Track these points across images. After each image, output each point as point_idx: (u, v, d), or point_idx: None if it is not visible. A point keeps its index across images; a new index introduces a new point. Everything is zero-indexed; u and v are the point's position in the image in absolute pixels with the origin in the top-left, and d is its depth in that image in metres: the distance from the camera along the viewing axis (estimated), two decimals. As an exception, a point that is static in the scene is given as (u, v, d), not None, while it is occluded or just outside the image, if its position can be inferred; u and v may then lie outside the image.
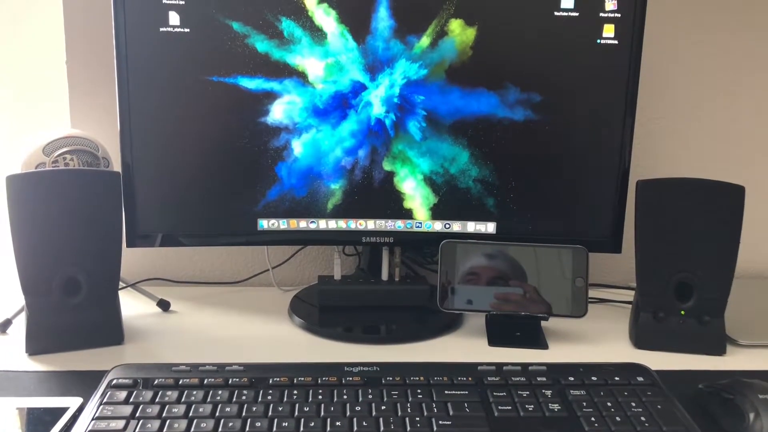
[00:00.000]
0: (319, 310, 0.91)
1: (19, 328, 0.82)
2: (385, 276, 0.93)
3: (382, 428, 0.59)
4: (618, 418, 0.61)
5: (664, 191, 0.82)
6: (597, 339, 0.87)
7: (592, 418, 0.61)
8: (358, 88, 0.85)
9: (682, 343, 0.83)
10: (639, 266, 0.84)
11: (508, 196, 0.89)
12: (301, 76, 0.84)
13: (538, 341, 0.85)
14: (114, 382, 0.65)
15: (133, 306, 0.94)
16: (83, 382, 0.70)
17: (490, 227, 0.90)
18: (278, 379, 0.65)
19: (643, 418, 0.61)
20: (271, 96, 0.85)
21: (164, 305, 0.94)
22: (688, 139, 1.09)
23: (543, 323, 0.87)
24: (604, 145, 0.88)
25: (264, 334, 0.87)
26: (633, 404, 0.63)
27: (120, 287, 0.83)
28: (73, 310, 0.79)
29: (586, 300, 0.84)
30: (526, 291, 0.84)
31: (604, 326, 0.90)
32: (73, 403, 0.65)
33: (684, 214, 0.82)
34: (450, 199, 0.89)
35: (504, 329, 0.86)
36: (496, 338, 0.86)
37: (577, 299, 0.84)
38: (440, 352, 0.82)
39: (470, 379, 0.66)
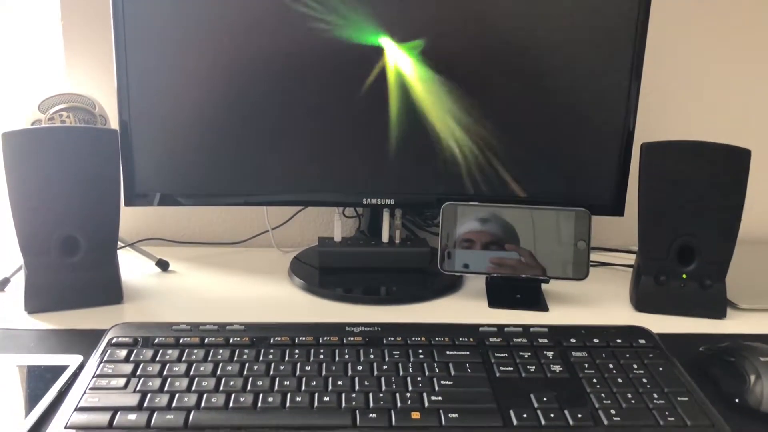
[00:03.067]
0: (319, 271, 0.91)
1: (17, 287, 0.82)
2: (385, 238, 0.93)
3: (383, 387, 0.59)
4: (620, 380, 0.61)
5: (668, 154, 0.82)
6: (598, 302, 0.87)
7: (594, 380, 0.61)
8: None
9: (683, 307, 0.83)
10: (641, 229, 0.84)
11: (509, 157, 0.88)
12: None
13: (539, 303, 0.85)
14: (114, 340, 0.64)
15: (132, 266, 0.93)
16: (83, 341, 0.70)
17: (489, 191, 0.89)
18: (279, 338, 0.65)
19: (644, 380, 0.61)
20: (271, 53, 0.83)
21: (163, 265, 0.94)
22: (695, 102, 1.08)
23: (543, 286, 0.87)
24: (608, 107, 0.87)
25: (264, 294, 0.86)
26: (635, 366, 0.63)
27: (119, 247, 0.82)
28: (72, 269, 0.79)
29: (588, 263, 0.84)
30: (526, 253, 0.84)
31: (605, 289, 0.90)
32: (73, 361, 0.65)
33: (688, 178, 0.81)
34: (452, 161, 0.88)
35: (504, 291, 0.86)
36: (496, 300, 0.85)
37: (578, 262, 0.84)
38: (441, 313, 0.82)
39: (471, 340, 0.66)
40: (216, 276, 0.92)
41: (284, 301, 0.84)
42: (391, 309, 0.83)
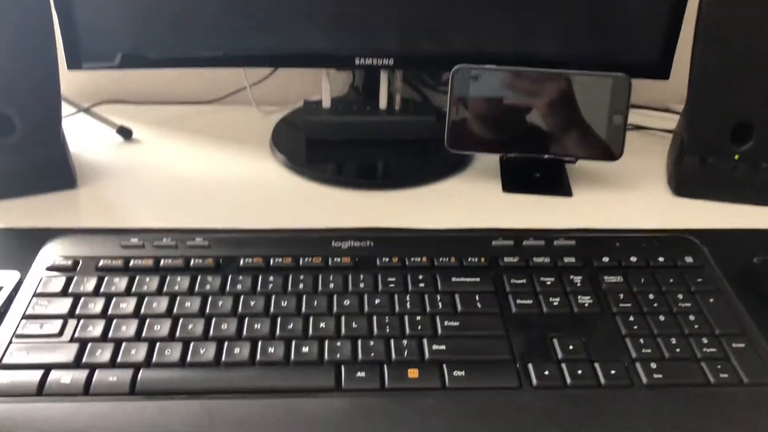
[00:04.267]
0: (305, 144, 0.77)
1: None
2: (383, 104, 0.78)
3: (375, 332, 0.48)
4: (662, 318, 0.50)
5: (735, 7, 0.65)
6: (629, 181, 0.74)
7: (631, 318, 0.50)
8: None
9: (730, 192, 0.71)
10: (692, 100, 0.69)
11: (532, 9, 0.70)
12: None
13: (561, 186, 0.72)
14: (51, 263, 0.53)
15: (88, 136, 0.79)
16: (22, 247, 0.59)
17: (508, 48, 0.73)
18: (250, 260, 0.54)
19: (691, 317, 0.50)
20: None
21: (125, 133, 0.80)
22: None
23: (568, 165, 0.74)
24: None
25: (241, 173, 0.74)
26: (680, 296, 0.52)
27: (71, 113, 0.68)
28: (9, 152, 0.66)
29: (623, 141, 0.70)
30: (551, 127, 0.70)
31: (638, 163, 0.76)
32: (8, 279, 0.54)
33: (757, 39, 0.64)
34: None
35: (521, 172, 0.73)
36: (511, 183, 0.73)
37: (612, 139, 0.70)
38: (445, 201, 0.70)
39: (483, 260, 0.55)
40: (186, 146, 0.79)
41: (264, 183, 0.72)
42: (386, 195, 0.70)
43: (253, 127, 0.83)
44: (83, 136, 0.79)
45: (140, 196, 0.69)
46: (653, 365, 0.46)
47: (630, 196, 0.72)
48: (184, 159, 0.76)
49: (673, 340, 0.48)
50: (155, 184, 0.71)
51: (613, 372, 0.46)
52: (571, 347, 0.48)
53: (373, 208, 0.68)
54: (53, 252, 0.54)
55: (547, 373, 0.46)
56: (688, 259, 0.55)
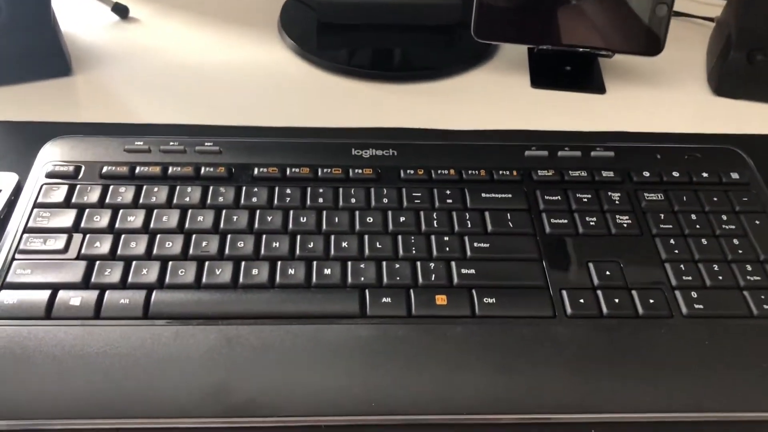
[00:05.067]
0: (317, 29, 0.71)
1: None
2: (403, -16, 0.71)
3: (401, 253, 0.45)
4: (704, 241, 0.47)
5: None
6: (664, 77, 0.69)
7: (671, 241, 0.47)
8: None
9: (776, 93, 0.66)
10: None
11: None
12: None
13: (593, 82, 0.67)
14: (51, 169, 0.49)
15: (82, 16, 0.73)
16: (18, 144, 0.55)
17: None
18: (265, 170, 0.50)
19: (735, 241, 0.47)
20: None
21: (121, 11, 0.74)
22: None
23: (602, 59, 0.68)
24: None
25: (247, 59, 0.68)
26: (724, 218, 0.49)
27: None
28: (-4, 37, 0.60)
29: (665, 34, 0.64)
30: (589, 17, 0.64)
31: (675, 56, 0.70)
32: (6, 182, 0.51)
33: None
34: None
35: (552, 66, 0.68)
36: (540, 77, 0.68)
37: (653, 32, 0.64)
38: (470, 96, 0.65)
39: (515, 173, 0.51)
40: (187, 28, 0.73)
41: (272, 72, 0.67)
42: (406, 88, 0.65)
43: (259, 5, 0.76)
44: (75, 15, 0.72)
45: (140, 85, 0.64)
46: (694, 294, 0.44)
47: (665, 93, 0.67)
48: (185, 42, 0.70)
49: (716, 267, 0.46)
50: (155, 71, 0.66)
51: (651, 301, 0.43)
52: (608, 273, 0.45)
53: (392, 103, 0.63)
54: (52, 155, 0.50)
55: (582, 301, 0.43)
56: (734, 175, 0.52)
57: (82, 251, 0.44)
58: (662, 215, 0.48)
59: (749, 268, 0.45)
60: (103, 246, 0.44)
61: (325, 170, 0.50)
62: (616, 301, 0.43)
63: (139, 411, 0.38)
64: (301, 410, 0.38)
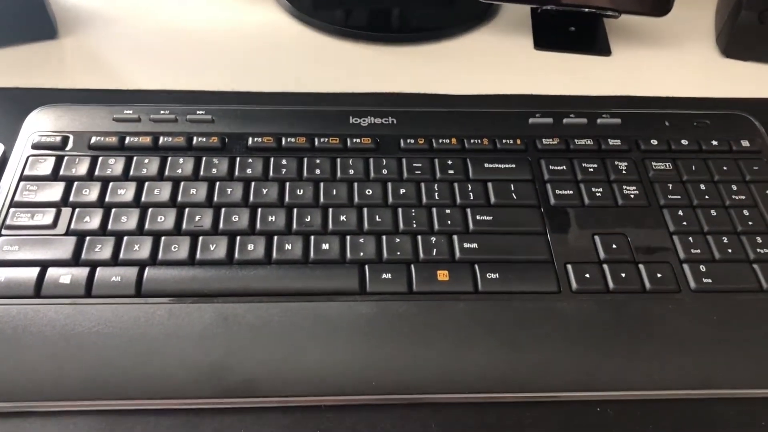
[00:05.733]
0: (312, -13, 0.68)
1: None
2: (401, -60, 0.68)
3: (401, 226, 0.44)
4: (713, 213, 0.46)
5: None
6: (671, 38, 0.66)
7: (680, 212, 0.46)
8: None
9: (790, 57, 0.64)
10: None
11: None
12: None
13: (598, 44, 0.65)
14: (37, 140, 0.47)
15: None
16: (2, 111, 0.53)
17: None
18: (259, 139, 0.48)
19: (745, 212, 0.46)
20: None
21: (106, -31, 0.70)
22: None
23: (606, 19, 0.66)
24: None
25: (239, 20, 0.66)
26: (734, 188, 0.47)
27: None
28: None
29: (674, -8, 0.62)
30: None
31: (681, 15, 0.67)
32: (-10, 152, 0.49)
33: None
34: None
35: (555, 26, 0.66)
36: (544, 39, 0.65)
37: (662, -9, 0.62)
38: (471, 58, 0.63)
39: (518, 141, 0.49)
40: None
41: (266, 35, 0.64)
42: (405, 50, 0.63)
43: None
44: (60, -27, 0.69)
45: (128, 49, 0.62)
46: (702, 268, 0.43)
47: (672, 55, 0.65)
48: (175, 3, 0.68)
49: (725, 239, 0.44)
50: (144, 33, 0.63)
51: (659, 275, 0.42)
52: (614, 246, 0.44)
53: (391, 66, 0.61)
54: (39, 125, 0.48)
55: (588, 276, 0.42)
56: (744, 143, 0.50)
57: (72, 226, 0.43)
58: (670, 185, 0.47)
59: (759, 240, 0.44)
60: (93, 221, 0.43)
61: (322, 140, 0.48)
62: (623, 275, 0.42)
63: (133, 392, 0.37)
64: (300, 390, 0.37)
